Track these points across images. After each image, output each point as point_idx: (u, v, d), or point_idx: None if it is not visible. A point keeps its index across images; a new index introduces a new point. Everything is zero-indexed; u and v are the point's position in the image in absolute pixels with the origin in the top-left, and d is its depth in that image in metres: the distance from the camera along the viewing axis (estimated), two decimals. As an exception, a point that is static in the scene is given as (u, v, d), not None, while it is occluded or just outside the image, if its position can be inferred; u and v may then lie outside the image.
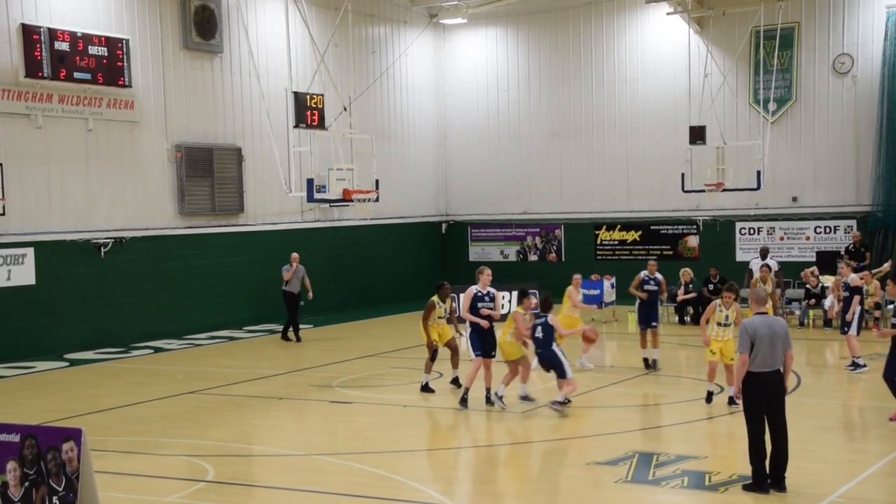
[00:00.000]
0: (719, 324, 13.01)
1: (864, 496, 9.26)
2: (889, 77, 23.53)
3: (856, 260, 22.21)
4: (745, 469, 9.51)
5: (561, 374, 12.86)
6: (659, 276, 16.67)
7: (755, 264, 20.90)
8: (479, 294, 13.46)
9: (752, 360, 9.06)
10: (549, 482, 9.92)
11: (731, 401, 12.78)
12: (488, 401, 13.20)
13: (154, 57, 21.05)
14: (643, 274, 16.62)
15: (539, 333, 13.01)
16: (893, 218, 23.61)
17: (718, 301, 13.14)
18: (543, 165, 27.96)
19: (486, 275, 13.59)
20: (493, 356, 13.41)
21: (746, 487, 9.12)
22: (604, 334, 21.00)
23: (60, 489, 7.25)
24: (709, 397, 13.20)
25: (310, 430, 12.72)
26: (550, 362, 12.94)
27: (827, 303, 20.19)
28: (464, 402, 13.17)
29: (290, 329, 20.44)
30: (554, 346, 12.98)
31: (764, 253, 21.55)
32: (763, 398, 9.09)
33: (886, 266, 21.92)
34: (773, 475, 9.08)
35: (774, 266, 20.80)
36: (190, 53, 21.82)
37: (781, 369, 9.17)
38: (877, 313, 20.19)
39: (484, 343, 13.29)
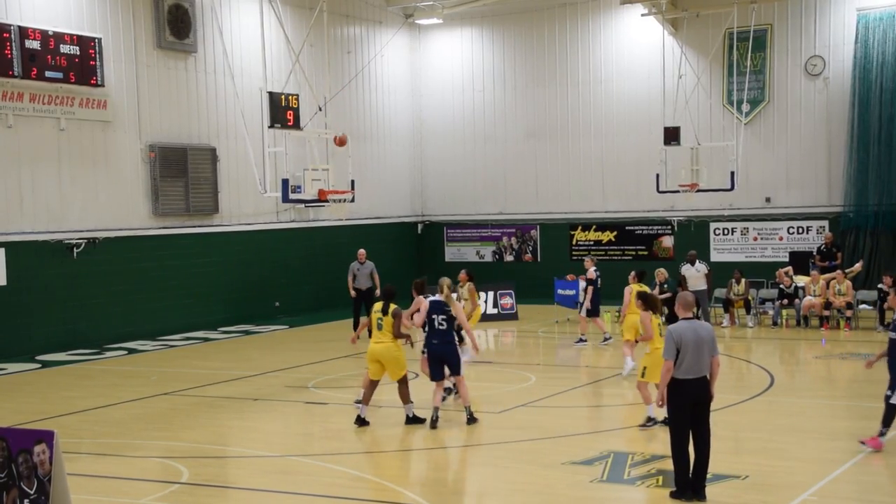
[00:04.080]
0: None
1: (836, 494, 9.34)
2: (860, 79, 23.78)
3: (827, 260, 22.46)
4: (720, 468, 9.58)
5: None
6: None
7: (687, 270, 20.87)
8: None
9: (677, 367, 8.83)
10: (526, 482, 9.94)
11: (649, 420, 11.84)
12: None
13: (127, 56, 20.89)
14: None
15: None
16: (864, 218, 23.86)
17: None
18: (519, 166, 28.02)
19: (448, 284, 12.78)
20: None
21: (673, 495, 9.02)
22: (578, 334, 21.06)
23: (32, 492, 7.17)
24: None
25: (285, 432, 12.68)
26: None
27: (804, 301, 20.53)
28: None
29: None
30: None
31: (692, 259, 21.02)
32: (688, 406, 8.89)
33: (858, 266, 22.18)
34: (694, 485, 8.92)
35: (704, 269, 20.84)
36: (163, 53, 21.67)
37: (708, 376, 8.96)
38: (848, 313, 20.43)
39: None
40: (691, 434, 8.96)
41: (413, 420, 12.30)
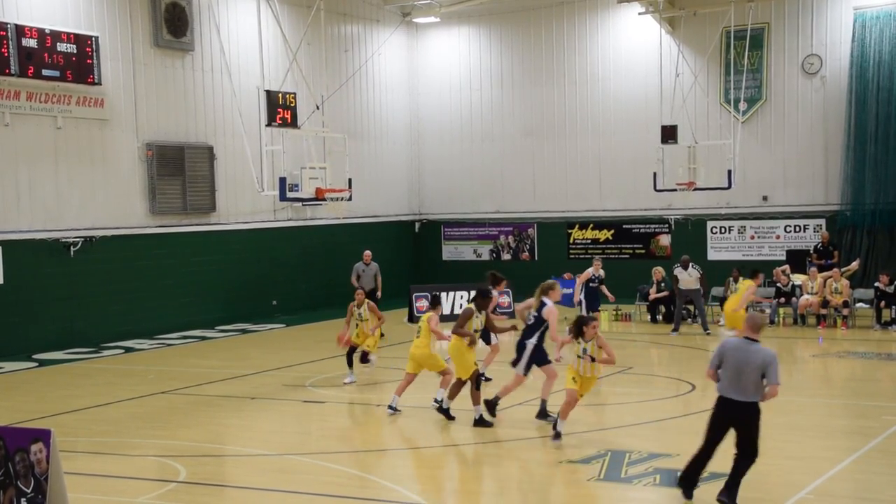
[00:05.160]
0: (578, 356, 11.26)
1: (833, 492, 9.36)
2: (857, 78, 23.80)
3: (824, 258, 22.48)
4: (718, 467, 9.57)
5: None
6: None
7: (680, 273, 20.78)
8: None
9: (719, 382, 8.74)
10: (523, 481, 9.95)
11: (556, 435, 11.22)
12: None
13: (124, 54, 20.87)
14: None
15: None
16: (861, 217, 23.88)
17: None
18: (516, 164, 28.03)
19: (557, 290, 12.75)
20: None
21: (678, 483, 9.03)
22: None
23: (29, 491, 7.17)
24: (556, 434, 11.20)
25: (282, 430, 12.67)
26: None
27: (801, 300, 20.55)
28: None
29: None
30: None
31: (685, 263, 20.76)
32: (722, 424, 8.72)
33: (854, 265, 22.20)
34: (727, 482, 8.72)
35: (696, 274, 20.74)
36: (161, 51, 21.65)
37: (757, 402, 8.53)
38: (845, 311, 20.45)
39: None
40: (737, 447, 8.72)
41: (479, 423, 12.03)
